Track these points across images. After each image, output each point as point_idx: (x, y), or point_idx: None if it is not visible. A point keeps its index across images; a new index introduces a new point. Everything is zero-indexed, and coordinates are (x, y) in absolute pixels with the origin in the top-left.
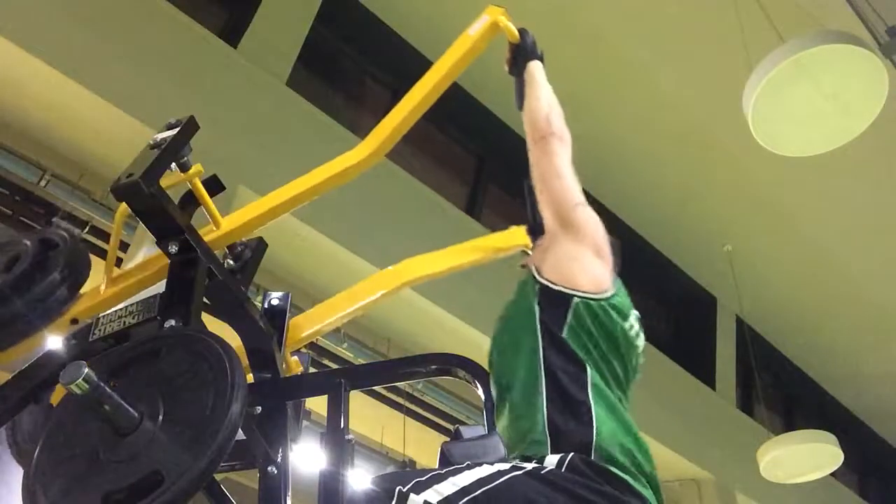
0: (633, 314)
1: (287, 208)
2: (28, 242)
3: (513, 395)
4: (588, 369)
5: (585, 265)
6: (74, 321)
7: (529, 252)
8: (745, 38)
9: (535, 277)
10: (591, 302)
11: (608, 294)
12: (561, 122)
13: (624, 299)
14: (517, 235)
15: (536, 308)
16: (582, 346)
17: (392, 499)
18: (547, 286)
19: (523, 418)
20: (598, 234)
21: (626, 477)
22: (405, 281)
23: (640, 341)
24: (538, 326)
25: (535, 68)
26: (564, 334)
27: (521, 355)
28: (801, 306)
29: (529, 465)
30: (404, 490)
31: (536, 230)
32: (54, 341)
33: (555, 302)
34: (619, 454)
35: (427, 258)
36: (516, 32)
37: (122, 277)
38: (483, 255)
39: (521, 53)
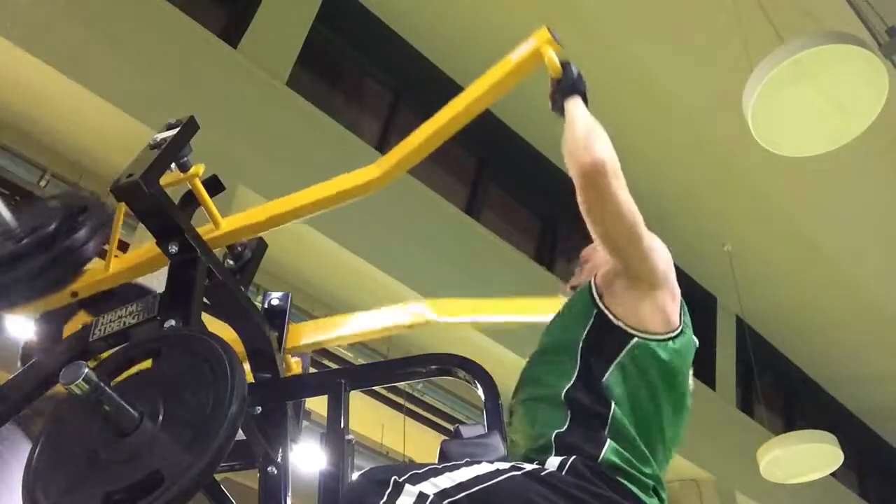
0: (693, 350)
1: (288, 219)
2: (57, 202)
3: (530, 408)
4: (612, 408)
5: (657, 303)
6: (74, 294)
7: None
8: (745, 38)
9: (594, 299)
10: (655, 344)
11: (677, 331)
12: (605, 147)
13: (690, 334)
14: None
15: (583, 336)
16: (627, 386)
17: (387, 487)
18: (605, 316)
19: (534, 431)
20: (670, 276)
21: (632, 486)
22: (425, 321)
23: (691, 379)
24: (578, 358)
25: (574, 106)
26: (607, 374)
27: (553, 374)
28: (801, 306)
29: (530, 466)
30: (400, 480)
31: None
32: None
33: (608, 338)
34: (625, 464)
35: (454, 303)
36: (559, 66)
37: (124, 260)
38: (517, 314)
39: (562, 89)
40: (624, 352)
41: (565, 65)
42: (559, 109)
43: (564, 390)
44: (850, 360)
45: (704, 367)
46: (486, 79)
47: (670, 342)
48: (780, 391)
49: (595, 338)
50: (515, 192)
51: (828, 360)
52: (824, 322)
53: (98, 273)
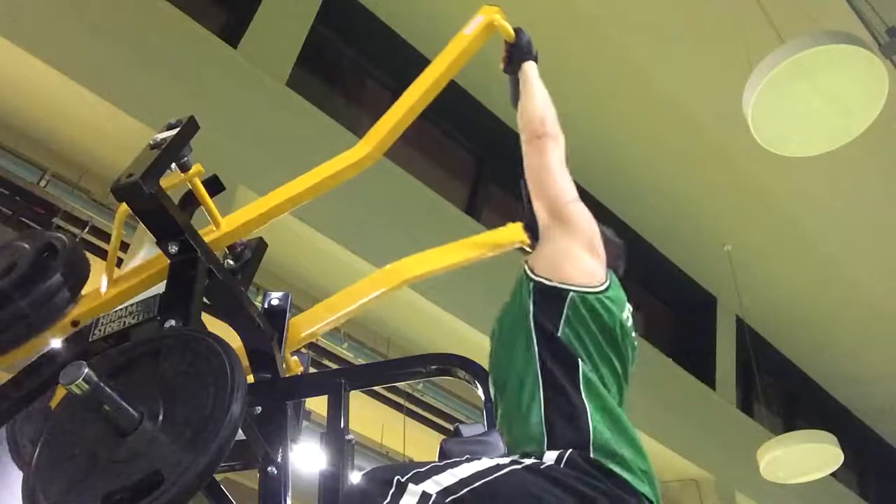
0: (627, 306)
1: (287, 208)
2: (27, 245)
3: (509, 394)
4: (581, 366)
5: (578, 260)
6: (75, 323)
7: (527, 249)
8: (745, 38)
9: (528, 276)
10: (588, 295)
11: (603, 287)
12: (555, 123)
13: (618, 291)
14: (514, 232)
15: (531, 307)
16: (578, 341)
17: (390, 488)
18: (542, 283)
19: (520, 417)
20: (590, 228)
21: (624, 473)
22: (404, 279)
23: (634, 333)
24: (532, 326)
25: (530, 68)
26: (560, 332)
27: (517, 355)
28: (801, 306)
29: (528, 461)
30: (403, 480)
31: (532, 226)
32: (56, 344)
33: (550, 298)
34: (617, 451)
35: (425, 256)
36: (512, 31)
37: (124, 279)
38: (481, 251)
39: (517, 52)
40: (565, 306)
41: (518, 30)
42: (512, 71)
43: (530, 362)
44: (850, 360)
45: (704, 367)
46: (445, 54)
47: (600, 295)
48: (780, 391)
49: (541, 304)
50: (515, 192)
51: (828, 360)
52: (824, 322)
53: (98, 297)
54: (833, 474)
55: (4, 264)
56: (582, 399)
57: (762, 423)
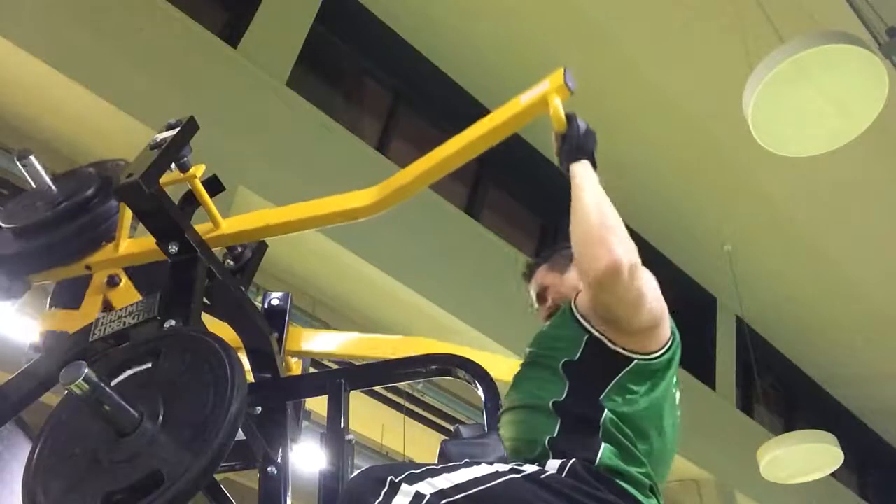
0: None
1: (285, 230)
2: (92, 170)
3: (518, 414)
4: (605, 416)
5: (657, 333)
6: (88, 267)
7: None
8: (745, 38)
9: (578, 321)
10: (653, 361)
11: (670, 344)
12: (621, 242)
13: (677, 348)
14: None
15: (574, 357)
16: (622, 401)
17: (383, 487)
18: (599, 340)
19: (524, 437)
20: (665, 310)
21: (630, 487)
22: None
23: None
24: (567, 377)
25: (581, 173)
26: (604, 393)
27: (541, 391)
28: (801, 306)
29: (529, 468)
30: (396, 480)
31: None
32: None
33: (605, 361)
34: (625, 465)
35: (476, 356)
36: (563, 120)
37: (136, 243)
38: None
39: (567, 147)
40: (623, 373)
41: (571, 118)
42: (564, 168)
43: (553, 402)
44: (850, 360)
45: (704, 367)
46: (493, 117)
47: (666, 353)
48: (780, 391)
49: (588, 360)
50: (515, 192)
51: (828, 360)
52: (824, 322)
53: (110, 251)
54: (833, 474)
55: (70, 185)
56: (599, 440)
57: (762, 423)
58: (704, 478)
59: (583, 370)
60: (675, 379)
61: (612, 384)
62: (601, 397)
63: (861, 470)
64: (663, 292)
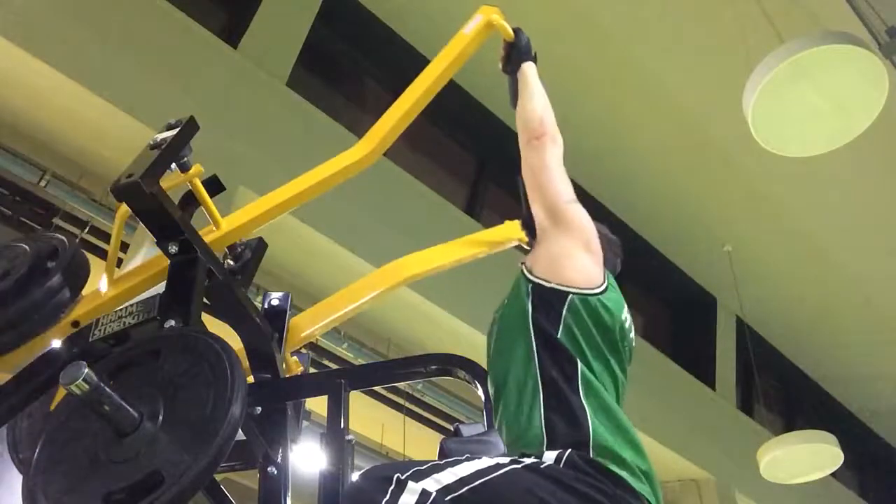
0: (626, 308)
1: (286, 208)
2: (27, 247)
3: (508, 395)
4: (580, 367)
5: (577, 261)
6: (76, 323)
7: (525, 247)
8: (745, 38)
9: (526, 277)
10: (588, 297)
11: (601, 288)
12: (553, 124)
13: (616, 294)
14: (512, 229)
15: (529, 308)
16: (578, 343)
17: (390, 485)
18: (540, 284)
19: (520, 418)
20: (588, 229)
21: (624, 473)
22: (402, 278)
23: (632, 334)
24: (531, 327)
25: (529, 69)
26: (560, 333)
27: (516, 357)
28: (801, 306)
29: (528, 460)
30: (403, 477)
31: (531, 224)
32: (56, 345)
33: (549, 300)
34: (617, 451)
35: (424, 255)
36: (511, 31)
37: (124, 279)
38: (479, 249)
39: (516, 53)
40: (565, 308)
41: (517, 30)
42: (512, 72)
43: (529, 364)
44: (850, 360)
45: (704, 367)
46: (445, 54)
47: (600, 297)
48: (780, 391)
49: (539, 305)
50: (515, 193)
51: (828, 360)
52: (824, 322)
53: (98, 297)
54: (833, 474)
55: (4, 266)
56: (581, 401)
57: (762, 424)
58: (704, 478)
59: (537, 317)
60: (623, 342)
61: (561, 322)
62: (558, 336)
63: (861, 470)
64: (664, 292)
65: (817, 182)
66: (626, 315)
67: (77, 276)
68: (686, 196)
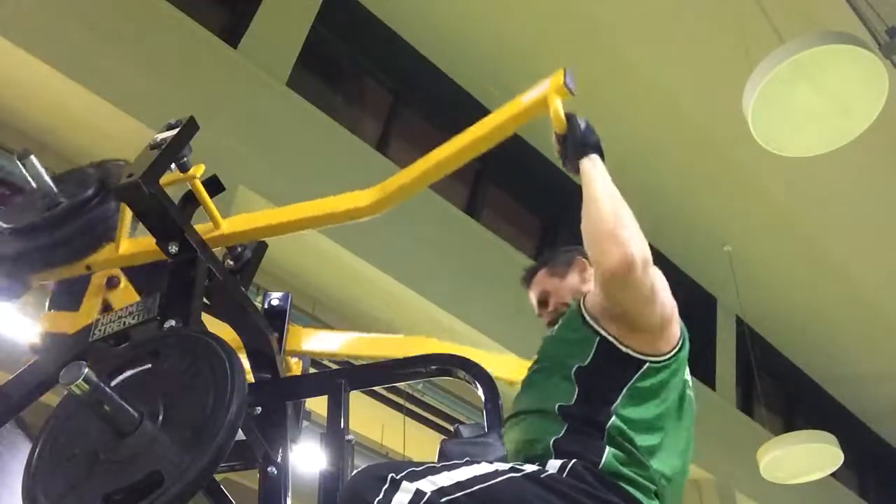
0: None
1: (287, 230)
2: (93, 172)
3: (524, 419)
4: (612, 420)
5: (667, 334)
6: (88, 267)
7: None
8: (745, 38)
9: (588, 323)
10: (664, 363)
11: (679, 346)
12: (634, 236)
13: (685, 349)
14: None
15: (585, 362)
16: (633, 405)
17: (384, 484)
18: (609, 342)
19: (529, 439)
20: (675, 310)
21: (633, 490)
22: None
23: (690, 388)
24: (577, 381)
25: (591, 168)
26: (618, 399)
27: (549, 396)
28: (801, 306)
29: (529, 468)
30: (398, 477)
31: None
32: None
33: (617, 363)
34: (626, 468)
35: (479, 356)
36: (563, 120)
37: (135, 244)
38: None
39: (572, 146)
40: (636, 377)
41: (570, 118)
42: (572, 167)
43: (559, 406)
44: (850, 360)
45: (704, 367)
46: (493, 118)
47: (677, 356)
48: (780, 391)
49: (600, 364)
50: (515, 192)
51: (828, 360)
52: (824, 322)
53: (110, 252)
54: (833, 474)
55: (71, 186)
56: (604, 444)
57: (762, 424)
58: (704, 478)
59: (594, 375)
60: (687, 379)
61: (625, 390)
62: (614, 405)
63: (861, 470)
64: None
65: (817, 182)
66: (688, 377)
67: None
68: (686, 196)
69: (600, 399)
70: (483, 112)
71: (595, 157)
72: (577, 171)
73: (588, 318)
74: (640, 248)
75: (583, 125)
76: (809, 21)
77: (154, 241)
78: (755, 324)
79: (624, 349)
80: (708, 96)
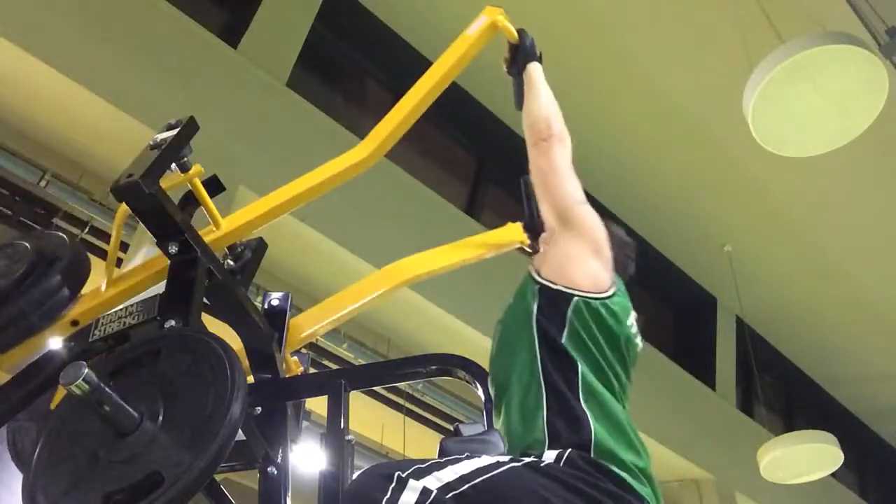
0: (632, 314)
1: (287, 208)
2: (27, 245)
3: (510, 396)
4: (581, 371)
5: (585, 264)
6: (75, 323)
7: (527, 249)
8: (745, 38)
9: (534, 278)
10: (592, 301)
11: (609, 293)
12: (561, 124)
13: (624, 299)
14: (514, 232)
15: (535, 309)
16: (581, 347)
17: (391, 483)
18: (547, 286)
19: (521, 420)
20: (597, 232)
21: (625, 474)
22: (403, 279)
23: (639, 340)
24: (535, 329)
25: (535, 69)
26: (563, 338)
27: (519, 358)
28: (801, 306)
29: (528, 459)
30: (404, 475)
31: (533, 227)
32: (55, 344)
33: (555, 302)
34: (618, 453)
35: (425, 256)
36: (515, 32)
37: (123, 278)
38: (481, 251)
39: (521, 54)
40: (569, 310)
41: (521, 31)
42: (516, 73)
43: (532, 367)
44: (850, 360)
45: (704, 367)
46: (448, 55)
47: (606, 301)
48: (780, 391)
49: (545, 308)
50: (515, 193)
51: (828, 360)
52: (824, 322)
53: (98, 296)
54: (833, 474)
55: (4, 264)
56: (582, 406)
57: (762, 424)
58: (704, 478)
59: (541, 319)
60: (628, 349)
61: (566, 325)
62: (562, 340)
63: (861, 470)
64: (664, 292)
65: (817, 182)
66: (632, 321)
67: (77, 275)
68: (686, 196)
69: (553, 338)
70: (483, 111)
71: (538, 64)
72: (520, 76)
73: (534, 272)
74: (564, 129)
75: (530, 37)
76: (809, 21)
77: (143, 271)
78: (755, 324)
79: (554, 285)
80: (708, 96)
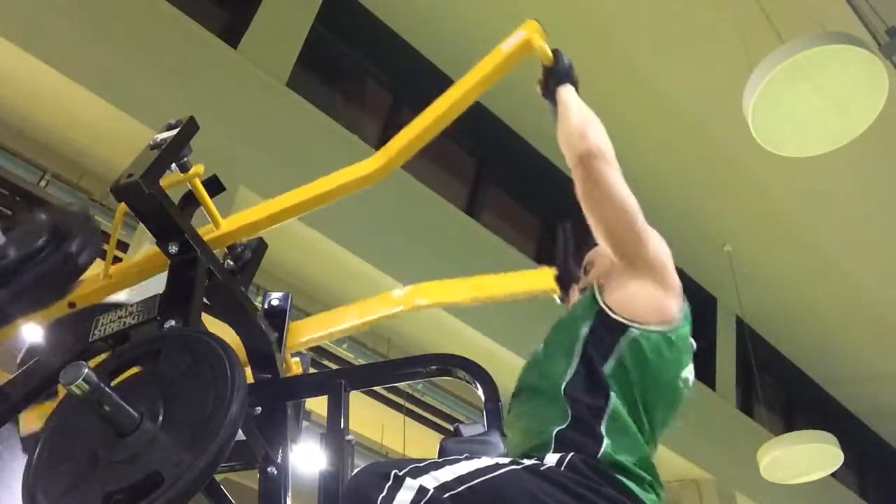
0: (691, 355)
1: (290, 215)
2: (44, 218)
3: (531, 398)
4: (612, 402)
5: (649, 299)
6: (72, 305)
7: (558, 299)
8: (745, 38)
9: (595, 297)
10: (653, 335)
11: (673, 326)
12: (598, 134)
13: (688, 326)
14: (545, 279)
15: (586, 329)
16: (623, 380)
17: (387, 481)
18: (606, 312)
19: (533, 424)
20: (666, 264)
21: (629, 482)
22: (415, 305)
23: (691, 377)
24: (580, 348)
25: (566, 92)
26: (607, 365)
27: (554, 367)
28: (801, 306)
29: (528, 462)
30: (401, 473)
31: (566, 278)
32: (51, 323)
33: (610, 329)
34: (623, 462)
35: (442, 286)
36: (550, 54)
37: (120, 271)
38: (501, 293)
39: (554, 77)
40: (622, 343)
41: (556, 52)
42: (550, 97)
43: (564, 384)
44: (850, 360)
45: (704, 367)
46: (478, 69)
47: (669, 335)
48: (780, 391)
49: (597, 330)
50: (515, 192)
51: (828, 360)
52: (824, 322)
53: (96, 282)
54: (833, 474)
55: (21, 235)
56: (601, 431)
57: (762, 424)
58: (704, 478)
59: (590, 344)
60: (682, 380)
61: (613, 357)
62: (604, 372)
63: (861, 470)
64: None
65: (817, 182)
66: (690, 363)
67: (90, 249)
68: (686, 196)
69: (593, 365)
70: (483, 111)
71: (572, 87)
72: (554, 99)
73: (597, 289)
74: (602, 140)
75: (567, 60)
76: (809, 21)
77: (143, 259)
78: (755, 324)
79: (613, 315)
80: (708, 96)
